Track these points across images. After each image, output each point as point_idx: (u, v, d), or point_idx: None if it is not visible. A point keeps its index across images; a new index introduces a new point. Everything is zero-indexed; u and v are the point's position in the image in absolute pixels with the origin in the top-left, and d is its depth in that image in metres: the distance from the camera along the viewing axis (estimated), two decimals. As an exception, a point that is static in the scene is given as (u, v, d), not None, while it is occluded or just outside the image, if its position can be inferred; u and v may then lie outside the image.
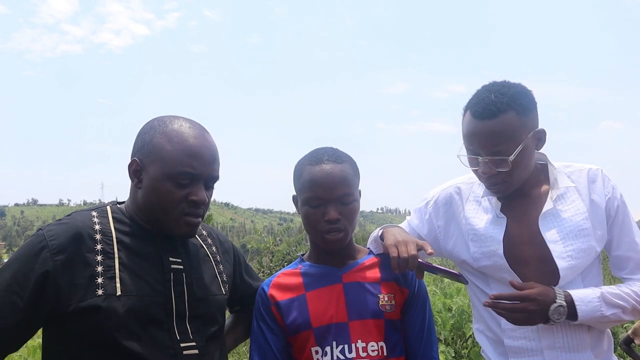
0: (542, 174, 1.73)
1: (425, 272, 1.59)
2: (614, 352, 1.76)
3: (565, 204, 1.66)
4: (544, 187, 1.70)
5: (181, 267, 1.45)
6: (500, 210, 1.70)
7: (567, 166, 1.73)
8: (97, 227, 1.39)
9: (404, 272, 1.57)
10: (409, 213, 2.01)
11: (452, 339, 5.30)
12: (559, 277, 1.60)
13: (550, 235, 1.63)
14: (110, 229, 1.40)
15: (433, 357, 1.63)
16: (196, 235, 1.59)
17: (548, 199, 1.66)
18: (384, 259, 1.63)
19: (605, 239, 1.66)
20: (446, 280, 7.69)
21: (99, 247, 1.35)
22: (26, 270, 1.29)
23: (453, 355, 4.91)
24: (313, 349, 1.55)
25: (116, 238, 1.39)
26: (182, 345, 1.38)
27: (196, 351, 1.40)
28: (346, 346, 1.53)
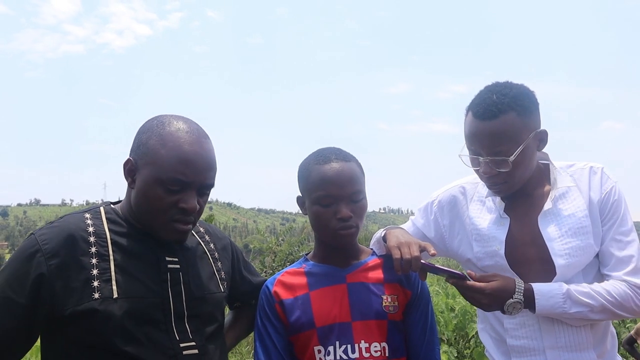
0: (544, 174, 1.73)
1: (428, 273, 1.60)
2: (617, 351, 1.76)
3: (566, 202, 1.66)
4: (547, 187, 1.71)
5: (178, 266, 1.44)
6: (504, 211, 1.71)
7: (570, 165, 1.73)
8: (90, 229, 1.37)
9: (407, 274, 1.57)
10: (412, 213, 2.01)
11: (455, 339, 5.30)
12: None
13: (549, 233, 1.64)
14: (105, 231, 1.38)
15: (435, 358, 1.63)
16: (194, 233, 1.58)
17: (548, 199, 1.66)
18: (387, 260, 1.63)
19: (601, 236, 1.65)
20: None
21: (93, 249, 1.34)
22: (20, 275, 1.28)
23: (456, 355, 4.91)
24: (316, 349, 1.55)
25: (111, 240, 1.37)
26: (181, 345, 1.37)
27: (196, 351, 1.39)
28: (349, 346, 1.53)
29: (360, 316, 1.56)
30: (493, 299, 1.53)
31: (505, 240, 1.67)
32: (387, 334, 1.56)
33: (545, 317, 1.61)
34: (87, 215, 1.41)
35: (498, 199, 1.72)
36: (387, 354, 1.55)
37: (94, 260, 1.32)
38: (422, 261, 1.53)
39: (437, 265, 1.56)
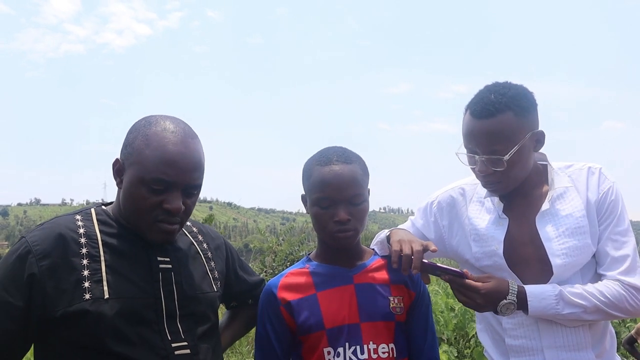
0: (543, 174, 1.73)
1: (430, 276, 1.60)
2: (617, 352, 1.76)
3: (564, 203, 1.66)
4: (545, 188, 1.71)
5: (169, 266, 1.44)
6: (503, 211, 1.71)
7: (569, 166, 1.73)
8: (81, 230, 1.37)
9: (408, 273, 1.56)
10: (412, 213, 2.02)
11: (455, 338, 5.30)
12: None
13: (546, 233, 1.64)
14: (95, 232, 1.39)
15: (436, 358, 1.64)
16: (187, 233, 1.58)
17: (546, 199, 1.66)
18: (391, 261, 1.63)
19: (597, 236, 1.65)
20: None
21: (84, 250, 1.34)
22: (13, 277, 1.29)
23: (456, 355, 4.91)
24: (325, 350, 1.54)
25: (101, 241, 1.38)
26: (173, 345, 1.37)
27: (188, 351, 1.39)
28: (358, 347, 1.53)
29: (368, 317, 1.56)
30: (487, 300, 1.53)
31: (504, 240, 1.67)
32: (394, 335, 1.57)
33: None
34: (78, 217, 1.41)
35: (497, 199, 1.72)
36: (394, 355, 1.55)
37: (84, 261, 1.32)
38: (423, 260, 1.53)
39: (439, 264, 1.56)
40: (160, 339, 1.35)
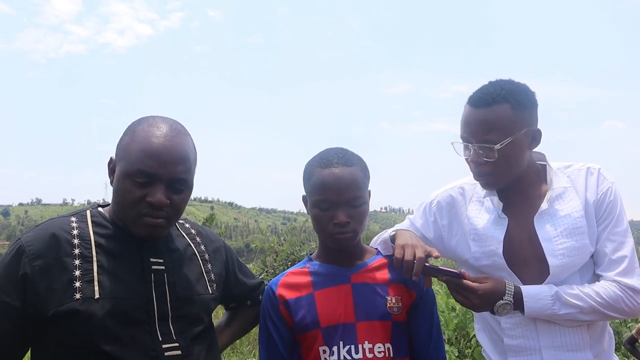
0: (542, 174, 1.73)
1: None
2: (618, 351, 1.76)
3: (563, 203, 1.66)
4: (544, 188, 1.71)
5: (162, 267, 1.44)
6: (502, 211, 1.71)
7: (568, 166, 1.73)
8: (75, 231, 1.39)
9: (409, 276, 1.56)
10: (412, 213, 2.02)
11: (456, 338, 5.30)
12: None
13: (544, 234, 1.64)
14: (89, 233, 1.40)
15: (443, 358, 1.64)
16: (185, 234, 1.59)
17: (544, 199, 1.67)
18: (392, 260, 1.64)
19: (596, 236, 1.65)
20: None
21: (76, 251, 1.35)
22: (8, 276, 1.31)
23: (457, 354, 4.91)
24: (321, 349, 1.55)
25: (95, 242, 1.39)
26: (164, 346, 1.37)
27: (179, 352, 1.39)
28: (353, 347, 1.53)
29: (364, 317, 1.56)
30: (484, 300, 1.54)
31: (503, 240, 1.67)
32: (391, 334, 1.57)
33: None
34: (73, 219, 1.43)
35: (496, 198, 1.72)
36: (391, 355, 1.55)
37: (77, 262, 1.34)
38: (425, 264, 1.53)
39: (440, 267, 1.57)
40: (151, 340, 1.36)
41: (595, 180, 1.67)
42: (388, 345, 1.56)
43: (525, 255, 1.66)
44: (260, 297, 1.74)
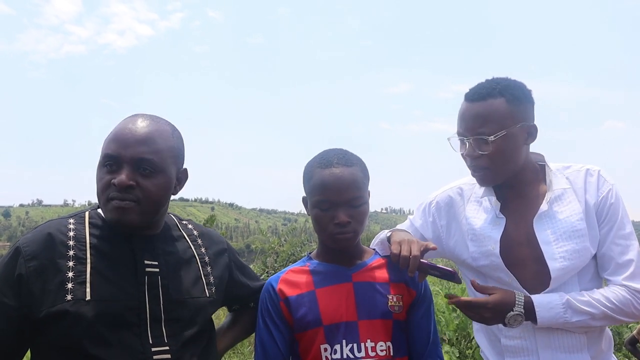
0: (541, 174, 1.73)
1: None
2: (619, 352, 1.76)
3: (562, 205, 1.66)
4: (542, 188, 1.71)
5: (157, 269, 1.44)
6: (500, 211, 1.71)
7: (567, 167, 1.72)
8: (71, 233, 1.39)
9: (404, 270, 1.57)
10: (413, 213, 2.02)
11: (457, 339, 5.29)
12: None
13: (544, 237, 1.64)
14: (85, 235, 1.40)
15: (439, 357, 1.65)
16: (186, 236, 1.58)
17: (544, 201, 1.66)
18: (391, 260, 1.64)
19: (598, 239, 1.65)
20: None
21: (71, 252, 1.36)
22: (5, 277, 1.32)
23: (457, 355, 4.91)
24: (322, 347, 1.55)
25: (90, 243, 1.39)
26: (153, 349, 1.36)
27: (168, 356, 1.38)
28: (355, 345, 1.54)
29: (366, 315, 1.57)
30: (495, 313, 1.54)
31: (501, 240, 1.67)
32: (392, 333, 1.57)
33: None
34: (71, 220, 1.44)
35: (494, 198, 1.72)
36: (391, 353, 1.56)
37: (70, 263, 1.34)
38: (421, 260, 1.54)
39: (438, 265, 1.57)
40: (140, 343, 1.35)
41: (595, 183, 1.66)
42: (389, 343, 1.56)
43: (523, 256, 1.66)
44: None
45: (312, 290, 1.61)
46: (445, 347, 4.89)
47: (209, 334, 1.56)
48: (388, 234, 1.75)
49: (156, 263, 1.44)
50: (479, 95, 1.61)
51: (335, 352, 1.54)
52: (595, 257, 1.65)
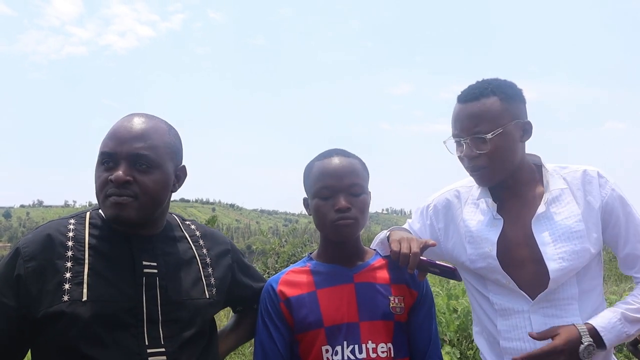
0: (537, 175, 1.73)
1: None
2: (620, 353, 1.76)
3: (560, 206, 1.66)
4: (539, 189, 1.70)
5: (155, 270, 1.43)
6: (497, 212, 1.71)
7: (563, 167, 1.72)
8: (70, 234, 1.40)
9: (403, 268, 1.57)
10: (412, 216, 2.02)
11: (458, 340, 5.28)
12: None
13: (542, 238, 1.63)
14: (84, 235, 1.41)
15: (439, 357, 1.65)
16: (188, 236, 1.58)
17: (542, 202, 1.66)
18: (392, 261, 1.64)
19: (600, 241, 1.65)
20: (452, 281, 7.66)
21: (69, 253, 1.36)
22: (5, 277, 1.33)
23: (458, 356, 4.90)
24: (323, 348, 1.55)
25: (88, 244, 1.39)
26: (149, 350, 1.36)
27: (164, 357, 1.38)
28: (357, 346, 1.53)
29: (367, 316, 1.56)
30: (569, 353, 1.52)
31: (498, 242, 1.67)
32: (393, 334, 1.57)
33: (538, 318, 1.61)
34: (72, 221, 1.44)
35: (490, 200, 1.72)
36: (392, 355, 1.56)
37: (68, 264, 1.35)
38: (421, 257, 1.54)
39: (437, 261, 1.57)
40: (136, 344, 1.35)
41: (596, 184, 1.66)
42: (390, 345, 1.56)
43: (521, 257, 1.65)
44: None
45: (313, 291, 1.61)
46: (446, 348, 4.88)
47: (209, 335, 1.55)
48: (387, 234, 1.75)
49: (155, 264, 1.44)
50: (471, 95, 1.63)
51: (337, 354, 1.53)
52: (595, 257, 1.65)
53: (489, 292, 1.71)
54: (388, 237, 1.70)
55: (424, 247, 1.55)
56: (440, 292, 6.37)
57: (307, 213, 1.67)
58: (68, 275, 1.33)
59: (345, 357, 1.53)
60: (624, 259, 1.67)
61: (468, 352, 5.12)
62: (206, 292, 1.52)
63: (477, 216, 1.74)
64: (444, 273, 1.56)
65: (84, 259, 1.37)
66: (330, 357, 1.54)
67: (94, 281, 1.35)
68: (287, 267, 1.78)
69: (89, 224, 1.44)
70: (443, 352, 4.52)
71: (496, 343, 1.72)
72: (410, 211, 1.96)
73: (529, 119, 1.68)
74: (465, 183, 1.83)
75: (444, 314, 5.40)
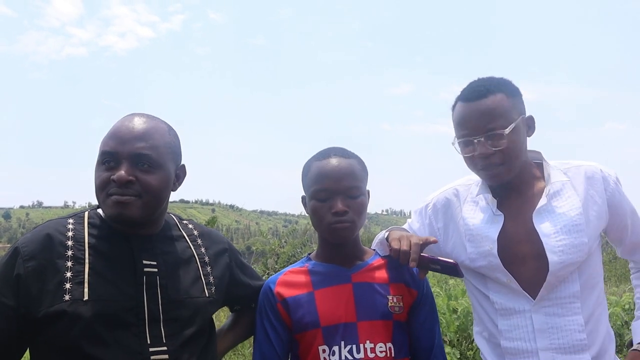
0: (537, 171, 1.73)
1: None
2: (620, 353, 1.75)
3: (561, 199, 1.66)
4: (540, 185, 1.70)
5: (155, 269, 1.44)
6: (497, 208, 1.70)
7: (565, 163, 1.73)
8: (70, 233, 1.40)
9: (403, 267, 1.57)
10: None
11: (458, 340, 5.28)
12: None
13: (544, 229, 1.63)
14: (84, 235, 1.41)
15: (444, 358, 1.64)
16: (186, 235, 1.58)
17: (543, 195, 1.66)
18: (391, 260, 1.63)
19: (599, 235, 1.67)
20: (452, 281, 7.66)
21: (69, 253, 1.36)
22: (4, 277, 1.33)
23: (458, 357, 4.90)
24: (320, 348, 1.54)
25: (88, 243, 1.40)
26: (151, 349, 1.37)
27: (166, 356, 1.39)
28: (354, 346, 1.53)
29: (365, 316, 1.56)
30: None
31: (498, 239, 1.66)
32: (392, 334, 1.57)
33: (539, 317, 1.61)
34: (71, 220, 1.44)
35: (490, 196, 1.71)
36: (392, 355, 1.55)
37: (69, 264, 1.35)
38: (422, 254, 1.53)
39: (438, 257, 1.56)
40: (137, 343, 1.36)
41: (600, 179, 1.66)
42: (389, 344, 1.56)
43: (522, 253, 1.65)
44: None
45: (310, 291, 1.60)
46: (447, 349, 4.88)
47: (209, 334, 1.56)
48: (386, 234, 1.74)
49: (155, 263, 1.45)
50: (478, 93, 1.61)
51: (334, 354, 1.53)
52: (594, 252, 1.66)
53: (490, 291, 1.70)
54: (387, 237, 1.70)
55: (425, 244, 1.55)
56: (440, 292, 6.37)
57: (305, 212, 1.67)
58: (69, 274, 1.33)
59: (343, 357, 1.52)
60: (629, 246, 1.77)
61: (468, 353, 5.12)
62: (205, 290, 1.53)
63: (477, 214, 1.74)
64: (445, 269, 1.55)
65: (84, 259, 1.37)
66: (327, 357, 1.53)
67: (94, 280, 1.35)
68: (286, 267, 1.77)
69: (88, 223, 1.44)
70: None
71: (497, 343, 1.71)
72: (410, 212, 1.96)
73: (530, 118, 1.70)
74: (463, 181, 1.83)
75: (444, 314, 5.40)
